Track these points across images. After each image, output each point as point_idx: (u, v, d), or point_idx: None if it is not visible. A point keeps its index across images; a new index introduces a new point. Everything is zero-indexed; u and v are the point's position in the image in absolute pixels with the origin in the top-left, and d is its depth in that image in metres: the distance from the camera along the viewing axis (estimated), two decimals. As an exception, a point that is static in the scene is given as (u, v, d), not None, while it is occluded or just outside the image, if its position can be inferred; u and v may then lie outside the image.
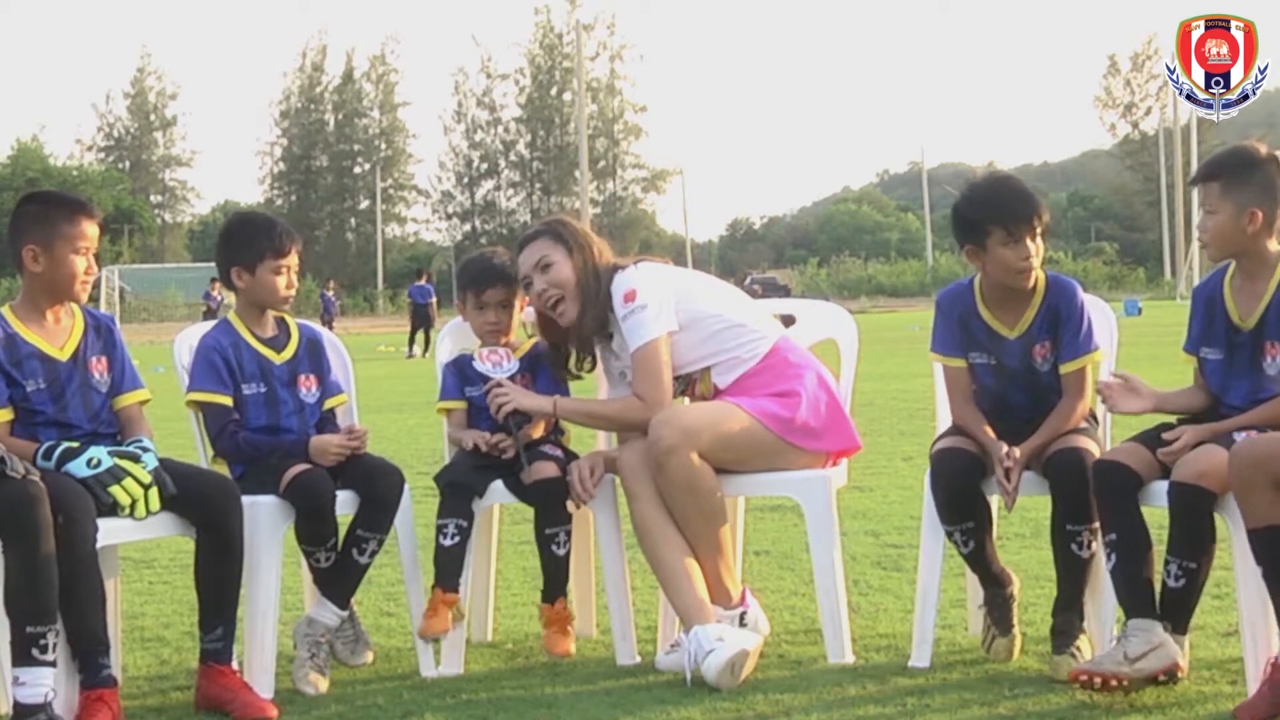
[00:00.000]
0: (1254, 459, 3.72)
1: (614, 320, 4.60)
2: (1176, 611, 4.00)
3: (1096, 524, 4.16)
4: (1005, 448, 4.26)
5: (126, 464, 4.04)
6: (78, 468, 3.97)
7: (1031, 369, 4.39)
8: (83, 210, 4.19)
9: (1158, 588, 4.01)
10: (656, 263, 4.72)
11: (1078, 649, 4.21)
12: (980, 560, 4.40)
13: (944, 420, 4.65)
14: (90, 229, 4.18)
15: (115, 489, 3.99)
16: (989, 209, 4.35)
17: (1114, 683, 3.84)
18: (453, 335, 5.03)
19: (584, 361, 4.77)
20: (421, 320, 31.55)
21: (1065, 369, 4.36)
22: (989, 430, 4.35)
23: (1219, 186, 4.05)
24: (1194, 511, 3.90)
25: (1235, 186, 4.03)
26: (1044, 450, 4.28)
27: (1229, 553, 3.98)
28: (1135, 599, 3.98)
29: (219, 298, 38.62)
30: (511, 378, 4.66)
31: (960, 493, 4.31)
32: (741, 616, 4.50)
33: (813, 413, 4.55)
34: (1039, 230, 4.34)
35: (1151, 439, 4.12)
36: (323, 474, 4.35)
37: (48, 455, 3.99)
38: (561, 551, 4.58)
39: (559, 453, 4.71)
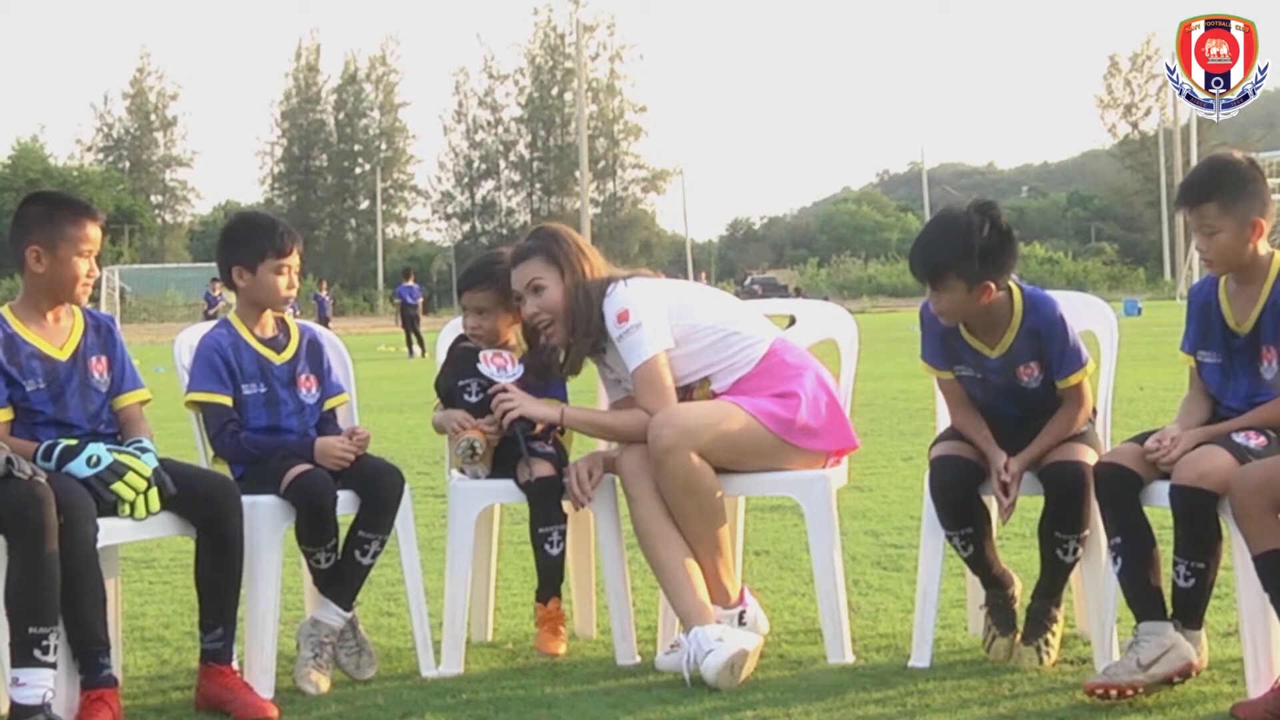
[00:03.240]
0: (1251, 487, 3.75)
1: (607, 337, 4.58)
2: (1189, 610, 4.02)
3: (1085, 533, 4.21)
4: (1003, 459, 4.26)
5: (126, 459, 4.04)
6: (78, 467, 3.98)
7: (1018, 386, 4.38)
8: (87, 213, 4.20)
9: (1168, 589, 4.02)
10: (648, 277, 4.68)
11: (1047, 641, 4.27)
12: (980, 563, 4.40)
13: (944, 421, 4.65)
14: (94, 232, 4.19)
15: (117, 485, 3.99)
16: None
17: (1130, 692, 3.85)
18: (453, 334, 5.02)
19: (568, 366, 4.72)
20: (409, 320, 31.63)
21: (1062, 385, 4.34)
22: (988, 435, 4.35)
23: (1216, 206, 4.02)
24: (1198, 513, 3.90)
25: (1233, 202, 4.01)
26: (1041, 458, 4.28)
27: (1229, 552, 3.97)
28: (1144, 602, 3.98)
29: (219, 297, 38.71)
30: (516, 382, 4.63)
31: (959, 499, 4.31)
32: (740, 616, 4.50)
33: (812, 413, 4.55)
34: (939, 283, 4.26)
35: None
36: (323, 474, 4.35)
37: (47, 455, 3.99)
38: (555, 551, 4.59)
39: (552, 450, 4.71)
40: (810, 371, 4.62)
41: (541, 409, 4.58)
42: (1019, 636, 4.38)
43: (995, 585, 4.43)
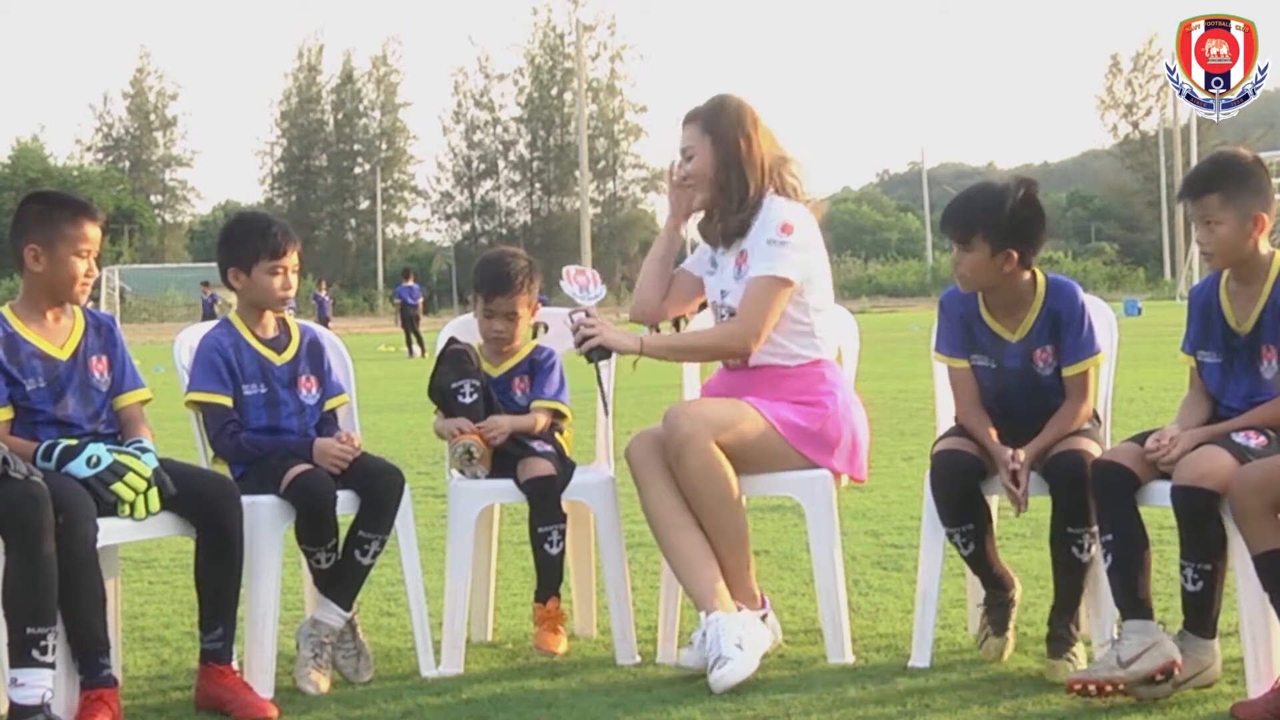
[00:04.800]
0: (1251, 487, 3.75)
1: (752, 226, 4.53)
2: (1199, 614, 4.00)
3: (1096, 526, 4.17)
4: (1010, 451, 4.26)
5: (126, 459, 4.04)
6: (78, 468, 3.98)
7: (1032, 372, 4.39)
8: (86, 213, 4.20)
9: (1169, 591, 4.01)
10: (814, 222, 4.62)
11: (1073, 654, 4.20)
12: (981, 562, 4.40)
13: (944, 420, 4.65)
14: (92, 231, 4.18)
15: (117, 486, 3.99)
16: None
17: (1109, 688, 3.85)
18: (457, 333, 5.01)
19: (720, 235, 4.62)
20: (409, 321, 31.66)
21: (1069, 372, 4.35)
22: (993, 433, 4.35)
23: (1219, 198, 4.03)
24: (1200, 514, 3.90)
25: (1235, 194, 4.02)
26: (1047, 451, 4.28)
27: (1230, 553, 3.97)
28: (1130, 600, 3.98)
29: (211, 297, 38.93)
30: (515, 376, 4.61)
31: (960, 495, 4.31)
32: (763, 620, 4.45)
33: (831, 430, 4.53)
34: (965, 242, 4.30)
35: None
36: (324, 474, 4.35)
37: (47, 455, 3.99)
38: (554, 551, 4.59)
39: (552, 449, 4.71)
40: (841, 394, 4.59)
41: (622, 338, 4.45)
42: (1001, 632, 4.37)
43: (996, 585, 4.43)
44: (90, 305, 4.41)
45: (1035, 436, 4.30)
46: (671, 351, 4.64)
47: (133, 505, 4.02)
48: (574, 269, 4.55)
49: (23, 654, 3.75)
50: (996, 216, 4.26)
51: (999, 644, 4.39)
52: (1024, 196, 4.29)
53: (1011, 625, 4.42)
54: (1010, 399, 4.42)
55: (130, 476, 4.02)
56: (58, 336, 4.22)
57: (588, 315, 4.43)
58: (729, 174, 4.55)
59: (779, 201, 4.55)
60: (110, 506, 3.99)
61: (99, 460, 4.00)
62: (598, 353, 4.43)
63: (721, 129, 4.56)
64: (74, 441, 4.04)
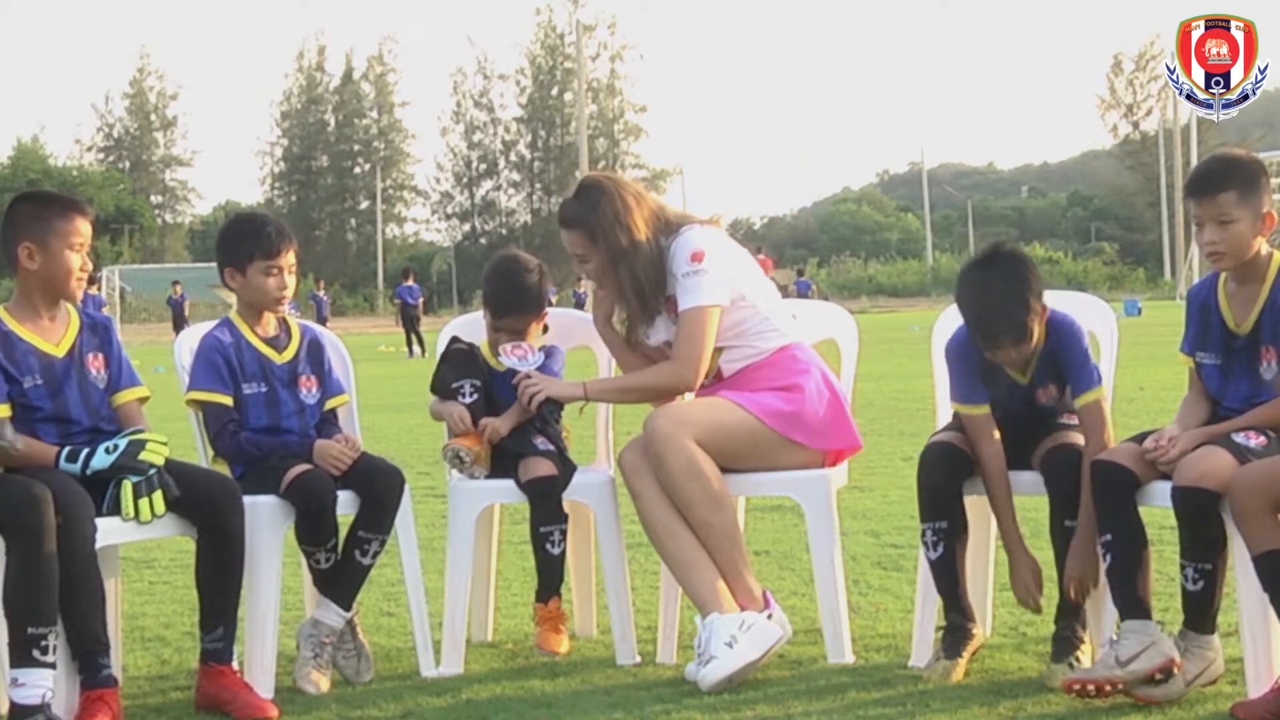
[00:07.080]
0: (1251, 487, 3.75)
1: (672, 279, 4.57)
2: (1200, 613, 4.00)
3: (1096, 527, 4.16)
4: (1032, 562, 4.27)
5: (137, 436, 4.10)
6: (100, 460, 4.02)
7: (1035, 406, 4.36)
8: (75, 207, 4.22)
9: (1172, 591, 4.00)
10: (720, 231, 4.70)
11: (1076, 659, 4.15)
12: (947, 570, 4.28)
13: (944, 419, 4.64)
14: (84, 226, 4.21)
15: (144, 455, 4.04)
16: (969, 327, 4.32)
17: (1108, 688, 3.84)
18: (459, 332, 5.00)
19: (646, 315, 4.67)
20: (409, 321, 31.69)
21: (1080, 402, 4.27)
22: (1014, 515, 4.30)
23: (1235, 195, 4.01)
24: (1200, 514, 3.90)
25: (1248, 192, 4.02)
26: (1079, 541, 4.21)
27: (1230, 553, 3.97)
28: (1129, 599, 3.98)
29: (181, 296, 39.18)
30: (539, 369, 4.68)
31: (940, 484, 4.28)
32: (769, 619, 4.44)
33: (814, 409, 4.54)
34: (1003, 349, 4.24)
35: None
36: (323, 474, 4.35)
37: (72, 458, 4.03)
38: (556, 550, 4.59)
39: (553, 448, 4.71)
40: (816, 370, 4.62)
41: (565, 388, 4.65)
42: (954, 655, 4.24)
43: (957, 611, 4.29)
44: (93, 291, 4.44)
45: (1029, 443, 4.30)
46: (614, 393, 4.78)
47: (137, 507, 4.02)
48: (510, 345, 4.71)
49: (23, 654, 3.76)
50: (1038, 304, 4.21)
51: (949, 666, 4.21)
52: (1028, 266, 4.27)
53: (967, 653, 4.28)
54: (1013, 429, 4.35)
55: (152, 445, 4.07)
56: (53, 334, 4.23)
57: (529, 377, 4.63)
58: (627, 265, 4.58)
59: (679, 239, 4.57)
60: (112, 505, 4.01)
61: (116, 446, 4.05)
62: (547, 405, 4.63)
63: (603, 229, 4.57)
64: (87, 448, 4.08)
